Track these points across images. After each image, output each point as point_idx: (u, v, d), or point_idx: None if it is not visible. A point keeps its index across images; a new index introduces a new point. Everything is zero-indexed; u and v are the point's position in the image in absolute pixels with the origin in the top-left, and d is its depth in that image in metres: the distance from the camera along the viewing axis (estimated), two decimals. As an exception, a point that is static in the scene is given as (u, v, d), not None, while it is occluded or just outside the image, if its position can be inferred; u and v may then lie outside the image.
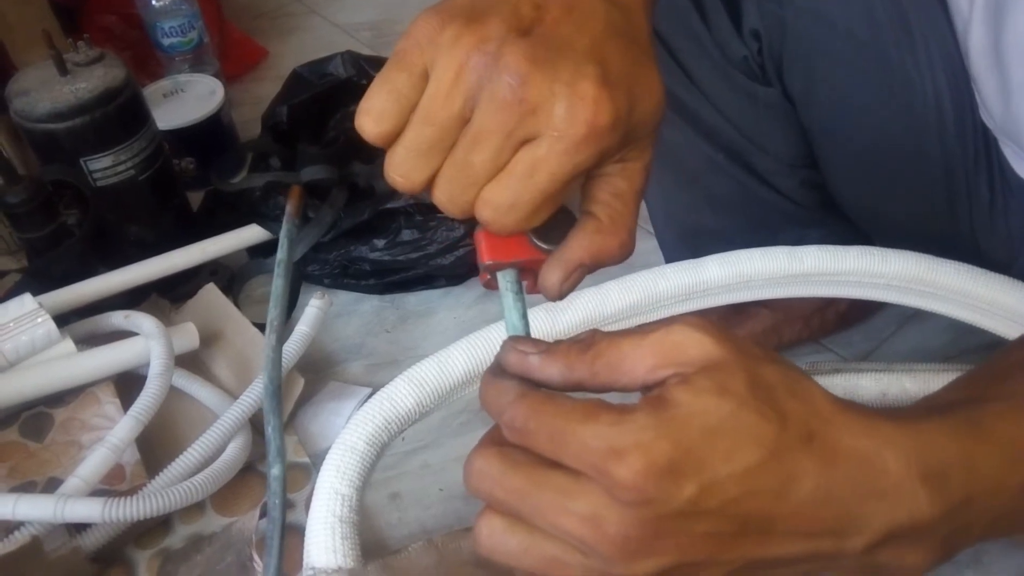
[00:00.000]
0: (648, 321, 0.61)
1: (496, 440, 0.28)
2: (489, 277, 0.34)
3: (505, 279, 0.33)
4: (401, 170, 0.31)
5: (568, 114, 0.28)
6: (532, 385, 0.28)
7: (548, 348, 0.29)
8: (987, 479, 0.28)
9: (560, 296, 0.33)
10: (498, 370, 0.29)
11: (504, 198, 0.30)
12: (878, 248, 0.61)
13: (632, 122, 0.30)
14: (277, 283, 0.57)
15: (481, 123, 0.29)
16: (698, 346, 0.27)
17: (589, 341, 0.28)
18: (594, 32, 0.30)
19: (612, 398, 0.27)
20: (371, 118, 0.30)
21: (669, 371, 0.27)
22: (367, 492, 0.53)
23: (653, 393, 0.27)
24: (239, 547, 0.61)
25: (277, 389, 0.52)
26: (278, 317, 0.54)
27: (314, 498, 0.42)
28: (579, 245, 0.32)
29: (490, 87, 0.29)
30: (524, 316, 0.33)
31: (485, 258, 0.33)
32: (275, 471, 0.53)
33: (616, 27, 0.30)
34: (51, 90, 0.79)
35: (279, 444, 0.52)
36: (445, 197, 0.31)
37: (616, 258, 0.33)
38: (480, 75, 0.29)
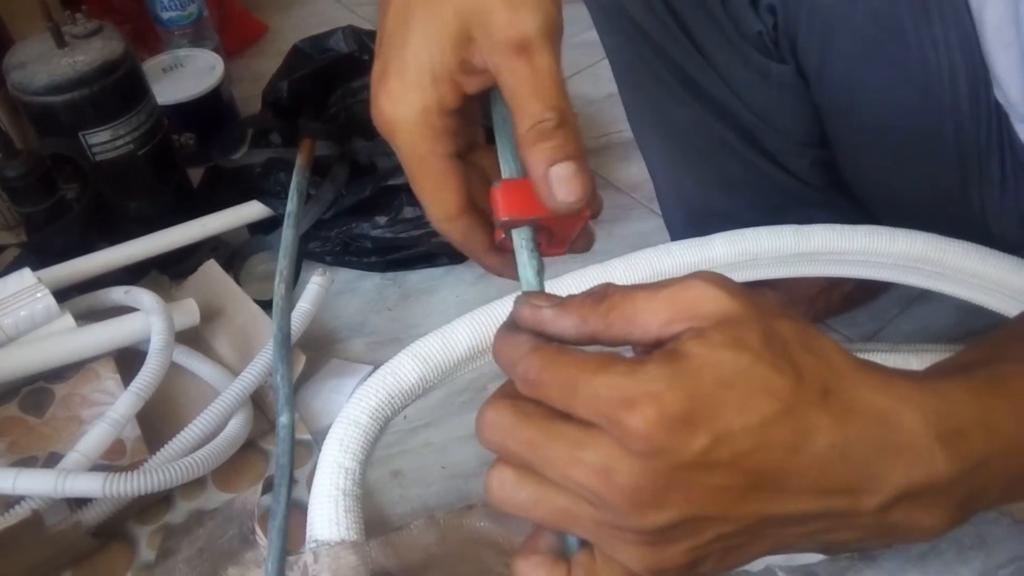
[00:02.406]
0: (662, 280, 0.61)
1: (509, 393, 0.28)
2: (504, 235, 0.33)
3: (520, 236, 0.33)
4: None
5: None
6: (545, 339, 0.28)
7: (561, 301, 0.29)
8: (1005, 439, 0.28)
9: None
10: (511, 325, 0.29)
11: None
12: (886, 228, 0.60)
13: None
14: (287, 234, 0.57)
15: None
16: (713, 301, 0.27)
17: (603, 294, 0.28)
18: None
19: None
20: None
21: (683, 325, 0.27)
22: (369, 469, 0.53)
23: (668, 346, 0.26)
24: (241, 520, 0.61)
25: (286, 337, 0.52)
26: (288, 267, 0.54)
27: (317, 471, 0.42)
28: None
29: None
30: (539, 273, 0.32)
31: (501, 215, 0.32)
32: (283, 419, 0.52)
33: None
34: (49, 63, 0.78)
35: (288, 392, 0.51)
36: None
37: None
38: None
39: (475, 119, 0.37)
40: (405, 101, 0.33)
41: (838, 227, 0.61)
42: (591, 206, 0.33)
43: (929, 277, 0.62)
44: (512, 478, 0.27)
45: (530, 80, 0.32)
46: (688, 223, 0.74)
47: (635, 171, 0.93)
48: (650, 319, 0.27)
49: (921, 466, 0.27)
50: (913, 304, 0.80)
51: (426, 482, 0.69)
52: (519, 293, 0.31)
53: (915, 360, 0.62)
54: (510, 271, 0.36)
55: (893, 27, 0.54)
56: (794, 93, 0.61)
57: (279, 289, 0.55)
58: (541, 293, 0.30)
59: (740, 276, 0.63)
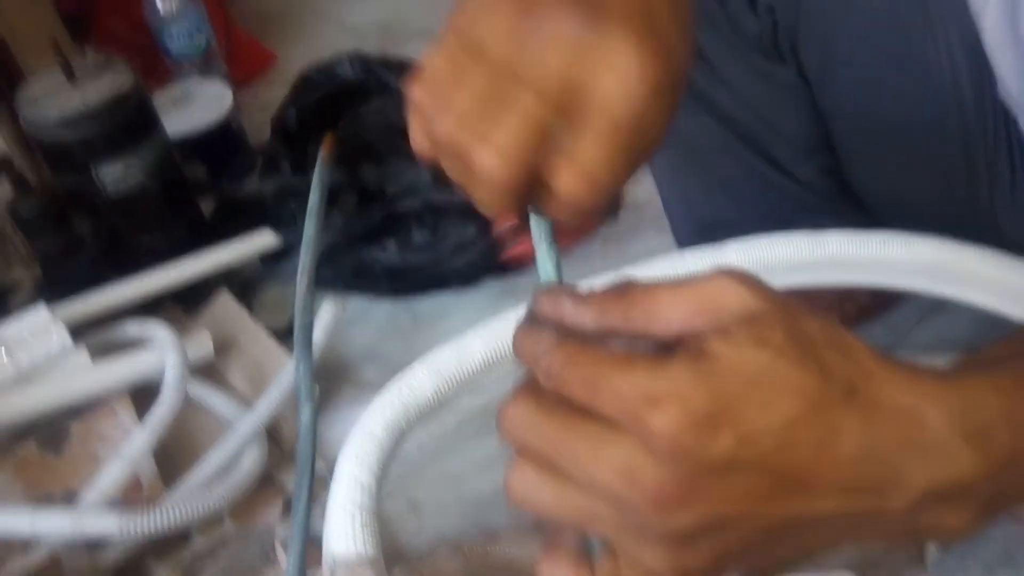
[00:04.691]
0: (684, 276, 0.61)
1: (531, 388, 0.28)
2: (509, 224, 0.33)
3: (540, 228, 0.33)
4: (453, 116, 0.29)
5: (640, 69, 0.28)
6: (567, 333, 0.28)
7: (582, 294, 0.28)
8: None
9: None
10: (532, 318, 0.29)
11: (591, 158, 0.29)
12: (902, 234, 0.60)
13: (681, 82, 0.30)
14: (308, 229, 0.56)
15: (542, 68, 0.28)
16: (736, 297, 0.26)
17: (624, 288, 0.28)
18: None
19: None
20: (427, 78, 0.30)
21: (706, 320, 0.26)
22: (385, 500, 0.53)
23: (690, 344, 0.26)
24: (263, 539, 0.62)
25: (309, 325, 0.51)
26: (309, 262, 0.54)
27: (333, 485, 0.42)
28: None
29: (551, 34, 0.28)
30: (558, 266, 0.32)
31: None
32: (304, 416, 0.51)
33: None
34: (60, 97, 0.79)
35: (309, 386, 0.51)
36: (493, 153, 0.29)
37: None
38: (538, 28, 0.29)
39: None
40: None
41: (853, 234, 0.61)
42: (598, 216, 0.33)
43: (947, 283, 0.61)
44: (533, 476, 0.27)
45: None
46: (696, 233, 0.74)
47: (642, 188, 0.93)
48: (672, 314, 0.27)
49: (948, 465, 0.26)
50: (929, 315, 0.79)
51: (444, 512, 0.69)
52: (537, 286, 0.30)
53: (934, 375, 0.61)
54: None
55: (893, 27, 0.53)
56: (797, 96, 0.61)
57: (301, 282, 0.55)
58: (561, 286, 0.30)
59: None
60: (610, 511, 0.26)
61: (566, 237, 0.35)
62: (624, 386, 0.25)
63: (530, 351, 0.28)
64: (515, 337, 0.28)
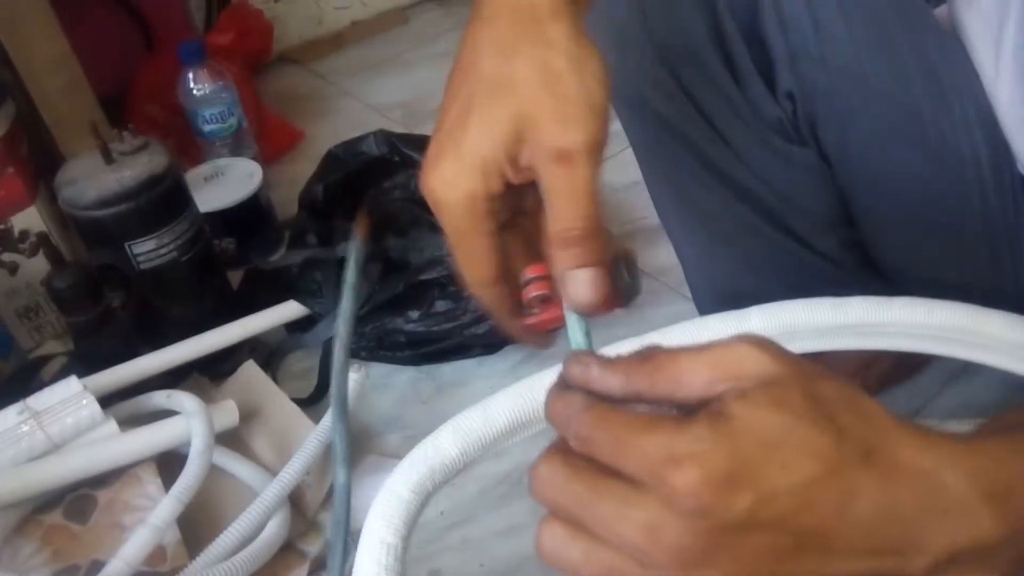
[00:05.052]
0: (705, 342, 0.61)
1: (561, 448, 0.29)
2: (534, 295, 0.35)
3: None
4: None
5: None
6: (596, 397, 0.29)
7: (609, 360, 0.30)
8: None
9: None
10: (562, 383, 0.30)
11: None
12: (924, 299, 0.60)
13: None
14: (345, 305, 0.58)
15: None
16: (756, 362, 0.27)
17: (649, 354, 0.29)
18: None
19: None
20: None
21: (727, 385, 0.27)
22: (407, 568, 0.53)
23: (712, 406, 0.27)
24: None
25: (343, 395, 0.53)
26: (345, 335, 0.55)
27: (359, 546, 0.42)
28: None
29: None
30: (587, 334, 0.34)
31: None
32: (341, 478, 0.52)
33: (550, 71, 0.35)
34: (97, 179, 0.82)
35: (345, 450, 0.52)
36: None
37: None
38: None
39: (522, 194, 0.40)
40: (456, 184, 0.37)
41: (875, 299, 0.61)
42: (610, 304, 0.35)
43: (970, 348, 0.61)
44: (563, 534, 0.28)
45: (567, 188, 0.35)
46: (718, 305, 0.74)
47: (663, 255, 0.94)
48: (694, 379, 0.28)
49: (968, 527, 0.27)
50: (954, 380, 0.79)
51: (466, 580, 0.68)
52: (568, 353, 0.32)
53: (960, 439, 0.60)
54: (531, 337, 0.40)
55: (909, 109, 0.55)
56: (817, 175, 0.62)
57: (339, 353, 0.57)
58: (589, 352, 0.31)
59: (777, 351, 0.62)
60: (636, 568, 0.27)
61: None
62: (648, 447, 0.26)
63: (561, 414, 0.29)
64: (547, 401, 0.30)
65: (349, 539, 0.45)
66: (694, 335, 0.59)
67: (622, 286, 0.36)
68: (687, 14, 0.56)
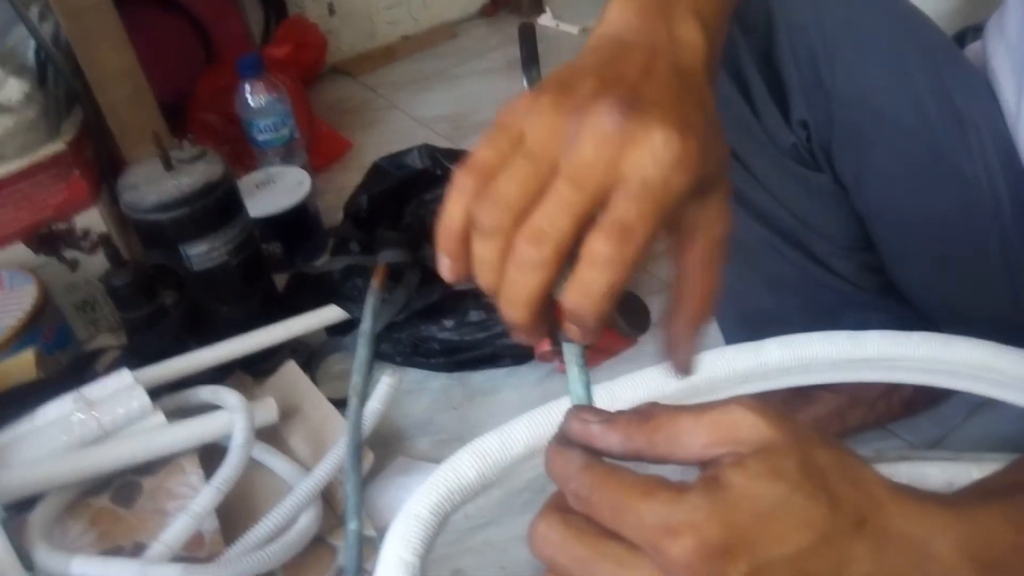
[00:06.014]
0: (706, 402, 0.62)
1: (560, 506, 0.29)
2: (547, 349, 0.36)
3: (571, 352, 0.35)
4: (496, 201, 0.31)
5: (665, 140, 0.30)
6: (595, 455, 0.30)
7: (609, 418, 0.30)
8: None
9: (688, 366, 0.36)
10: (563, 439, 0.31)
11: (605, 251, 0.30)
12: (942, 335, 0.61)
13: (707, 168, 0.33)
14: (361, 352, 0.61)
15: (583, 156, 0.31)
16: (752, 428, 0.28)
17: (649, 413, 0.29)
18: (672, 93, 0.33)
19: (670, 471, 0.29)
20: (474, 166, 0.33)
21: (724, 449, 0.28)
22: (430, 567, 0.55)
23: (708, 472, 0.28)
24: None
25: (358, 448, 0.56)
26: (361, 383, 0.59)
27: (378, 565, 0.44)
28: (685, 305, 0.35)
29: (591, 126, 0.31)
30: (588, 387, 0.34)
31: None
32: (352, 526, 0.56)
33: (687, 92, 0.34)
34: (157, 184, 0.87)
35: (357, 501, 0.55)
36: (531, 236, 0.31)
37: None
38: (577, 123, 0.31)
39: None
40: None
41: (893, 333, 0.61)
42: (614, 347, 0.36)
43: (988, 384, 0.61)
44: None
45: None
46: (740, 325, 0.75)
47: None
48: (692, 441, 0.28)
49: None
50: (979, 410, 0.79)
51: (486, 582, 0.71)
52: (569, 407, 0.32)
53: (976, 470, 0.60)
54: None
55: (926, 140, 0.55)
56: (834, 200, 0.62)
57: (353, 402, 0.60)
58: (590, 408, 0.32)
59: (794, 380, 0.63)
60: None
61: (598, 355, 0.38)
62: (645, 514, 0.27)
63: (560, 471, 0.30)
64: (547, 456, 0.31)
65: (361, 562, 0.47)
66: (711, 366, 0.60)
67: (623, 330, 0.36)
68: None
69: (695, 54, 0.35)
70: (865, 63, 0.54)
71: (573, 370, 0.35)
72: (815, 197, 0.63)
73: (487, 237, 0.32)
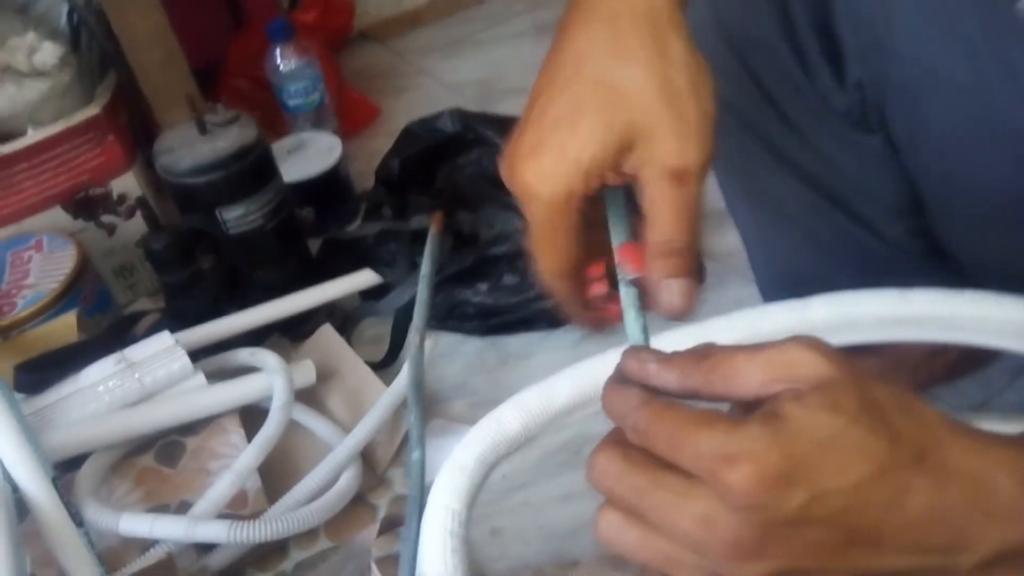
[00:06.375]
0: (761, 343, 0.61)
1: (618, 440, 0.30)
2: (601, 292, 0.37)
3: (628, 295, 0.36)
4: None
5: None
6: (653, 392, 0.30)
7: (666, 357, 0.31)
8: None
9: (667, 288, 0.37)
10: (620, 377, 0.31)
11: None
12: (993, 293, 0.60)
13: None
14: (422, 294, 0.63)
15: None
16: (811, 364, 0.28)
17: (705, 352, 0.30)
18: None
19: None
20: None
21: (782, 386, 0.28)
22: (469, 526, 0.56)
23: (766, 407, 0.28)
24: (360, 557, 0.65)
25: (420, 381, 0.58)
26: (421, 325, 0.61)
27: (426, 512, 0.45)
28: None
29: None
30: (644, 329, 0.35)
31: (631, 271, 0.37)
32: (415, 455, 0.58)
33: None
34: (192, 148, 0.87)
35: (420, 431, 0.57)
36: None
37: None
38: None
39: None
40: (555, 180, 0.38)
41: (942, 291, 0.60)
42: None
43: (1038, 344, 0.60)
44: (619, 521, 0.29)
45: (675, 205, 0.37)
46: (782, 288, 0.74)
47: (728, 240, 0.94)
48: (749, 379, 0.29)
49: (1017, 529, 0.27)
50: (1021, 375, 0.78)
51: (524, 540, 0.71)
52: (627, 347, 0.33)
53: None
54: (596, 324, 0.41)
55: (981, 98, 0.54)
56: (885, 162, 0.62)
57: (414, 339, 0.61)
58: (647, 348, 0.32)
59: (839, 339, 0.62)
60: (689, 557, 0.28)
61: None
62: (704, 444, 0.27)
63: (618, 408, 0.30)
64: (604, 394, 0.31)
65: (422, 514, 0.49)
66: (755, 323, 0.60)
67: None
68: (758, 5, 0.57)
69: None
70: (925, 23, 0.53)
71: (631, 313, 0.36)
72: (866, 160, 0.62)
73: None
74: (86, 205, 0.98)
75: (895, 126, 0.59)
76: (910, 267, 0.68)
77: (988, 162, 0.57)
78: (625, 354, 0.32)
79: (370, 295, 0.96)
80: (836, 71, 0.57)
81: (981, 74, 0.54)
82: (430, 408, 0.85)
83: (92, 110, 0.96)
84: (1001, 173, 0.57)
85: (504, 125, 1.01)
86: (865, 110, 0.59)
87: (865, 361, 0.76)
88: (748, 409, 0.28)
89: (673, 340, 0.58)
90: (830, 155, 0.62)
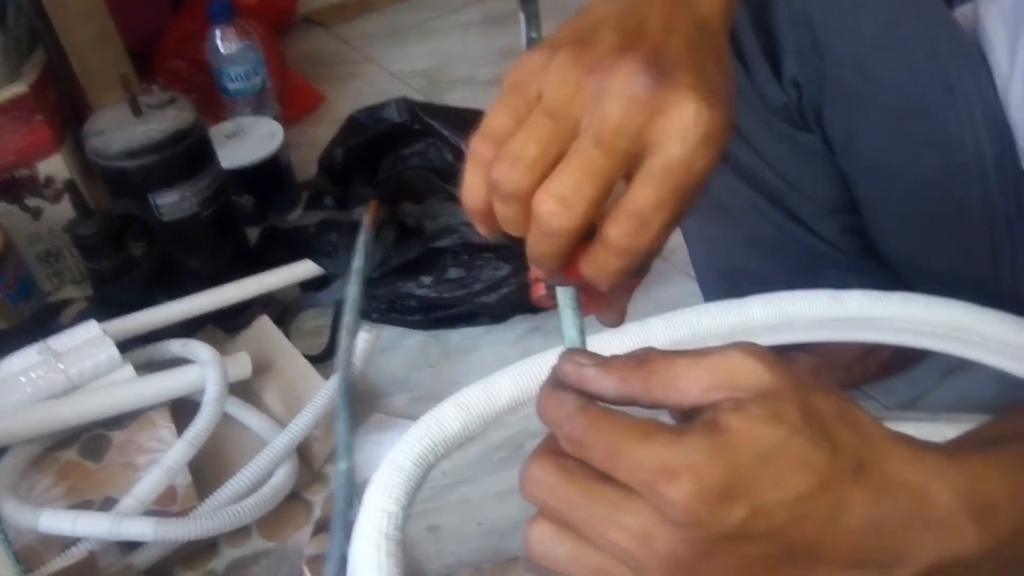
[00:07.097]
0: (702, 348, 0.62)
1: (552, 449, 0.29)
2: (543, 293, 0.35)
3: (565, 295, 0.34)
4: (515, 163, 0.30)
5: (696, 115, 0.29)
6: (589, 399, 0.29)
7: (604, 361, 0.30)
8: None
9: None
10: (556, 382, 0.30)
11: (621, 241, 0.30)
12: (922, 295, 0.61)
13: (729, 133, 0.31)
14: (352, 289, 0.61)
15: (611, 120, 0.29)
16: (752, 373, 0.27)
17: (645, 358, 0.29)
18: (694, 50, 0.32)
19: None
20: (489, 132, 0.31)
21: (722, 395, 0.27)
22: (406, 523, 0.55)
23: (706, 416, 0.27)
24: (292, 560, 0.64)
25: (349, 388, 0.55)
26: (352, 322, 0.59)
27: (360, 514, 0.44)
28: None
29: (618, 87, 0.29)
30: (582, 331, 0.34)
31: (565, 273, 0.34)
32: (343, 465, 0.56)
33: (708, 48, 0.33)
34: (125, 130, 0.84)
35: (348, 440, 0.55)
36: (555, 202, 0.30)
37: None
38: (602, 83, 0.30)
39: None
40: None
41: (874, 293, 0.62)
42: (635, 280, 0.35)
43: (966, 346, 0.62)
44: (551, 533, 0.28)
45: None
46: (721, 284, 0.75)
47: (671, 237, 0.95)
48: (689, 386, 0.28)
49: (952, 540, 0.27)
50: (952, 373, 0.80)
51: (463, 538, 0.71)
52: (563, 349, 0.31)
53: (951, 430, 0.61)
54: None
55: (916, 102, 0.55)
56: (821, 161, 0.62)
57: (345, 340, 0.59)
58: (584, 351, 0.31)
59: (775, 339, 0.64)
60: (624, 573, 0.27)
61: (591, 304, 0.37)
62: (642, 457, 0.26)
63: (553, 415, 0.29)
64: (539, 399, 0.30)
65: (350, 524, 0.47)
66: (695, 324, 0.60)
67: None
68: None
69: (712, 3, 0.34)
70: (860, 24, 0.54)
71: (567, 313, 0.34)
72: (802, 158, 0.63)
73: (509, 200, 0.31)
74: (10, 187, 0.94)
75: (831, 126, 0.60)
76: (845, 263, 0.70)
77: (918, 164, 0.58)
78: (561, 357, 0.30)
79: (310, 286, 0.94)
80: (774, 69, 0.57)
81: (915, 79, 0.55)
82: (370, 402, 0.84)
83: (18, 88, 0.91)
84: (931, 177, 0.59)
85: (452, 116, 1.00)
86: (802, 109, 0.60)
87: (800, 359, 0.77)
88: (687, 417, 0.28)
89: (612, 341, 0.57)
90: (767, 151, 0.63)
